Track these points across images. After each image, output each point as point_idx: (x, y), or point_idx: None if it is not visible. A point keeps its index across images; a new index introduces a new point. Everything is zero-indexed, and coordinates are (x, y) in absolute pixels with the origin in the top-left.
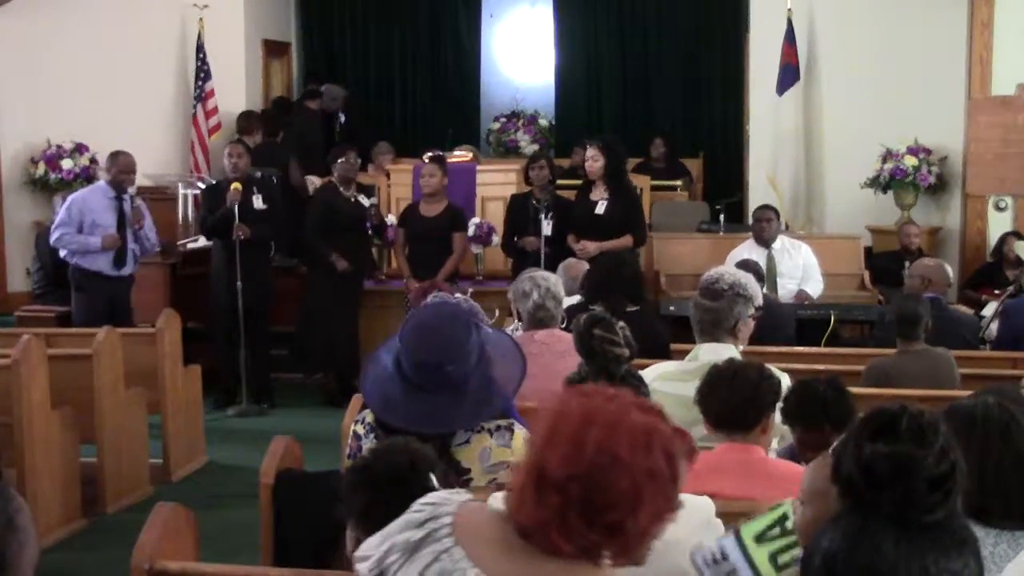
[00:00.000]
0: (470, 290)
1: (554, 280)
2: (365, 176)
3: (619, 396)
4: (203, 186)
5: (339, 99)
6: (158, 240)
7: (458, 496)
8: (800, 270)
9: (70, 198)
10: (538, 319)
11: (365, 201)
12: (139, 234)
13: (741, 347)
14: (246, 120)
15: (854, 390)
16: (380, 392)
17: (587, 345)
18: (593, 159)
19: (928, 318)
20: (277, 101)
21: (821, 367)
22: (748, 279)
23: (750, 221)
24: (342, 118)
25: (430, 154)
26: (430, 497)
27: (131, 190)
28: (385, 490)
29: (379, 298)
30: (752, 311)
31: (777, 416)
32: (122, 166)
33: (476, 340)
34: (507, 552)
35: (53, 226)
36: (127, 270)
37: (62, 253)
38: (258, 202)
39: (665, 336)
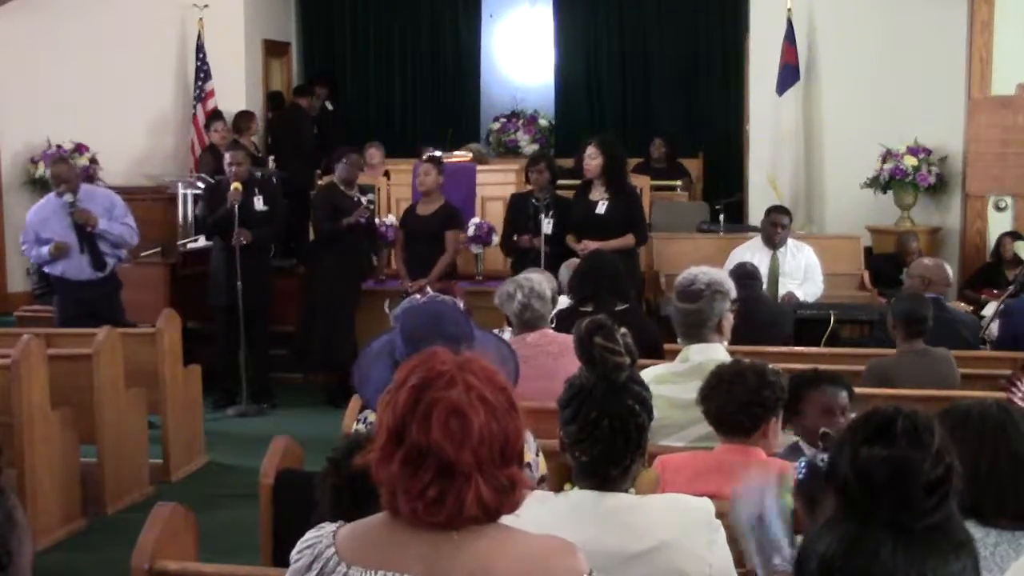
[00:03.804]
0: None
1: (537, 279)
2: (362, 176)
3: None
4: (203, 186)
5: (316, 107)
6: (135, 229)
7: (327, 528)
8: (802, 271)
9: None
10: (525, 320)
11: (364, 199)
12: (100, 232)
13: (726, 343)
14: (244, 119)
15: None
16: None
17: (587, 353)
18: (591, 157)
19: (931, 318)
20: (272, 96)
21: (821, 367)
22: (721, 275)
23: (752, 221)
24: (315, 128)
25: (427, 154)
26: (303, 542)
27: (73, 192)
28: (347, 470)
29: (379, 298)
30: (729, 305)
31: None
32: (52, 170)
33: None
34: (402, 545)
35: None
36: (103, 272)
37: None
38: (259, 204)
39: (657, 334)
